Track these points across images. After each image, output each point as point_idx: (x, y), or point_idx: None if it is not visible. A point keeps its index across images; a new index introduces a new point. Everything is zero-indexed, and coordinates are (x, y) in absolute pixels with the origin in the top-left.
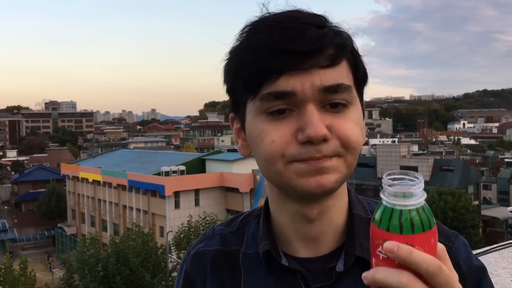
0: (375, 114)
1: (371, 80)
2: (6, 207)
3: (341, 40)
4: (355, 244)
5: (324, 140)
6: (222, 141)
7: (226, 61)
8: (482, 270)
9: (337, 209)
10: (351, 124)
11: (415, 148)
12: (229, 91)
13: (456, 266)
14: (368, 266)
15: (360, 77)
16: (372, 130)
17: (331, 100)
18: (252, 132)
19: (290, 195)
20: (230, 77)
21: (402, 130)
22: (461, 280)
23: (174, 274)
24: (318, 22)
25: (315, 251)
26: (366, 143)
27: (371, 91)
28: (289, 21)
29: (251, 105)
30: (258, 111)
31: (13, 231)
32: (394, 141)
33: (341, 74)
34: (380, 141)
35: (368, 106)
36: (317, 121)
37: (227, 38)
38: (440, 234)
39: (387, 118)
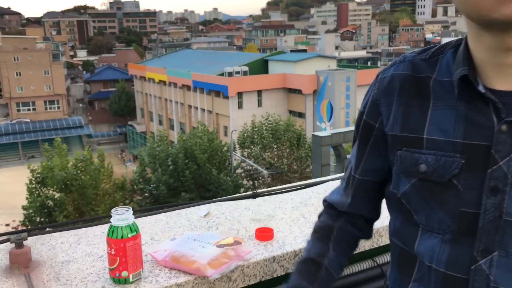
0: (451, 10)
1: None
2: (80, 105)
3: None
4: None
5: None
6: (285, 41)
7: None
8: None
9: None
10: None
11: None
12: None
13: None
14: None
15: None
16: (446, 29)
17: None
18: None
19: (488, 28)
20: None
21: None
22: None
23: (239, 170)
24: None
25: None
26: (439, 43)
27: None
28: None
29: None
30: None
31: (89, 127)
32: None
33: None
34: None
35: (443, 2)
36: None
37: None
38: None
39: None
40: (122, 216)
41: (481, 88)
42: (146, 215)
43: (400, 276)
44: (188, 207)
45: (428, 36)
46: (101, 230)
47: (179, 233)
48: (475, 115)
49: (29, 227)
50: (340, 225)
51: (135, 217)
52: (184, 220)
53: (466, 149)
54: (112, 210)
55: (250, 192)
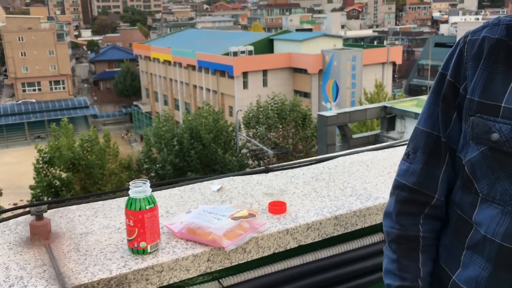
0: None
1: None
2: (85, 85)
3: None
4: None
5: None
6: (291, 20)
7: None
8: None
9: None
10: None
11: None
12: None
13: None
14: None
15: None
16: (453, 7)
17: None
18: None
19: None
20: None
21: (488, 6)
22: None
23: (244, 151)
24: None
25: None
26: (446, 21)
27: None
28: None
29: None
30: None
31: (94, 107)
32: (478, 19)
33: None
34: (462, 19)
35: None
36: None
37: None
38: None
39: None
40: (140, 188)
41: None
42: (161, 189)
43: (454, 243)
44: (201, 181)
45: (436, 14)
46: (116, 204)
47: (193, 207)
48: None
49: None
50: (426, 231)
51: None
52: (197, 194)
53: None
54: (130, 183)
55: (262, 167)
